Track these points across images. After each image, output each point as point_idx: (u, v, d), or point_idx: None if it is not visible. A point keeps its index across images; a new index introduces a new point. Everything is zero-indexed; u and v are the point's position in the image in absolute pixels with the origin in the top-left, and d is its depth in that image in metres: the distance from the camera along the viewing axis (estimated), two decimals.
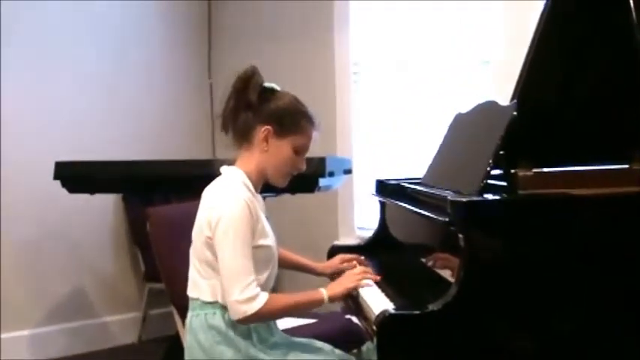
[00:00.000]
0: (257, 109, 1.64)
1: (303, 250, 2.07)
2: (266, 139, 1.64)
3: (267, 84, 1.67)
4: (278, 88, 1.69)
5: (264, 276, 1.63)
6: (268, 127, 1.64)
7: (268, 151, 1.65)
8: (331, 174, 2.71)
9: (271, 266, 1.67)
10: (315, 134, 1.70)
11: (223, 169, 1.70)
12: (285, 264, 1.97)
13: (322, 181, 2.66)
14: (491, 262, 1.45)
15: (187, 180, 2.66)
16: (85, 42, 3.56)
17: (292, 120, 1.66)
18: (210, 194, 1.64)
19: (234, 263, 1.53)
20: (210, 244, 1.59)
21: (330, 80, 3.71)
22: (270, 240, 1.65)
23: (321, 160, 2.60)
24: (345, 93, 3.69)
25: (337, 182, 3.00)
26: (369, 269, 1.79)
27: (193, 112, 3.99)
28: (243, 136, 1.67)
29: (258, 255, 1.60)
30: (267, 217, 1.75)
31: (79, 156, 3.09)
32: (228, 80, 1.67)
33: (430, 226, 1.70)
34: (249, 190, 1.64)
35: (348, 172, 3.06)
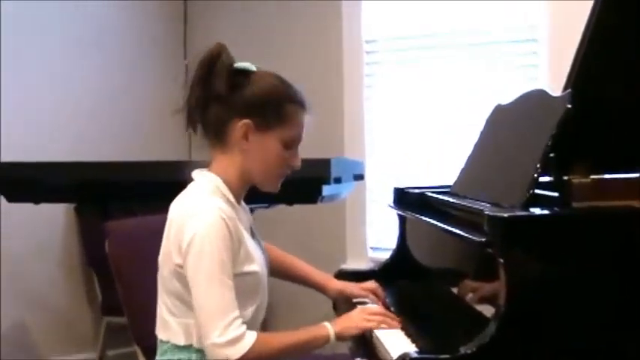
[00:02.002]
0: (229, 99, 1.62)
1: None
2: (245, 136, 1.64)
3: (238, 64, 1.65)
4: (253, 67, 1.67)
5: (250, 310, 1.62)
6: (246, 120, 1.63)
7: (250, 150, 1.65)
8: (338, 180, 2.71)
9: (259, 297, 1.67)
10: (306, 118, 1.70)
11: (195, 173, 1.69)
12: (287, 274, 1.98)
13: (326, 189, 2.66)
14: (539, 293, 1.44)
15: (157, 187, 2.66)
16: (40, 19, 3.57)
17: (276, 107, 1.65)
18: (179, 209, 1.63)
19: (211, 297, 1.52)
20: (180, 274, 1.58)
21: (336, 63, 3.72)
22: (256, 265, 1.64)
23: (325, 163, 2.61)
24: (356, 79, 3.70)
25: (345, 190, 3.00)
26: (390, 314, 1.76)
27: (165, 101, 3.98)
28: (216, 135, 1.66)
29: (243, 284, 1.59)
30: (254, 233, 1.75)
31: (25, 157, 3.09)
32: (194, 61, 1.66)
33: (462, 247, 1.69)
34: (228, 202, 1.63)
35: (359, 177, 3.06)
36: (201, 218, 1.55)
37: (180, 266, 1.57)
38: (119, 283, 2.17)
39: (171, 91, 3.95)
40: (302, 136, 1.70)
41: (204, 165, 1.71)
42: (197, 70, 1.64)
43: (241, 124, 1.63)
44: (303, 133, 1.70)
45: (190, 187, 1.68)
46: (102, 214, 3.12)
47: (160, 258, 1.66)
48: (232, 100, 1.63)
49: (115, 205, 3.17)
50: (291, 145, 1.68)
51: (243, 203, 1.74)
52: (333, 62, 3.73)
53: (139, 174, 2.84)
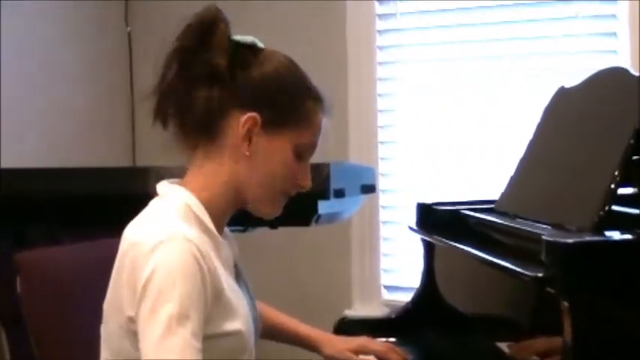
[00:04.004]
0: (229, 81, 1.63)
1: None
2: (249, 136, 1.64)
3: (241, 37, 1.65)
4: (260, 44, 1.68)
5: None
6: (253, 113, 1.63)
7: (251, 157, 1.64)
8: (339, 193, 2.71)
9: None
10: (324, 122, 1.71)
11: (162, 187, 1.69)
12: (271, 332, 2.00)
13: (324, 206, 2.66)
14: (617, 348, 1.45)
15: (88, 203, 2.66)
16: None
17: (294, 99, 1.66)
18: (133, 239, 1.61)
19: None
20: (133, 333, 1.56)
21: (338, 42, 3.73)
22: (240, 321, 1.62)
23: (322, 170, 2.61)
24: (364, 62, 3.71)
25: (350, 208, 3.00)
26: None
27: (102, 84, 4.00)
28: (201, 131, 1.66)
29: (221, 349, 1.58)
30: (240, 273, 1.75)
31: None
32: (162, 30, 1.65)
33: (512, 285, 1.70)
34: (205, 231, 1.63)
35: (369, 190, 3.06)
36: (164, 252, 1.53)
37: (134, 321, 1.56)
38: (34, 336, 2.17)
39: (112, 70, 4.03)
40: (317, 146, 1.72)
41: (171, 173, 1.70)
42: (183, 36, 1.63)
43: (246, 118, 1.62)
44: (318, 141, 1.72)
45: (152, 206, 1.67)
46: (12, 241, 3.11)
47: (106, 306, 1.64)
48: (233, 84, 1.63)
49: (30, 229, 3.18)
50: (304, 155, 1.69)
51: (227, 230, 1.74)
52: (334, 41, 3.74)
53: (65, 185, 2.84)
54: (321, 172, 2.60)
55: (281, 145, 1.66)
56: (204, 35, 1.62)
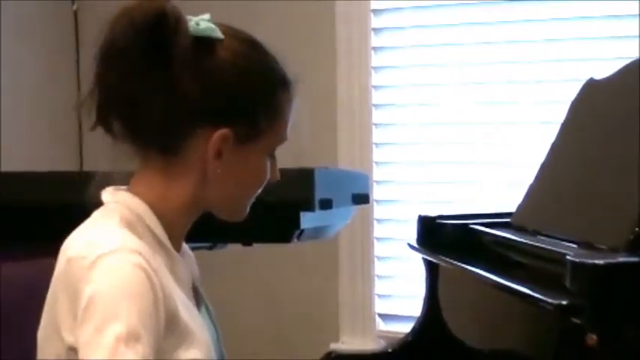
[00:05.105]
0: (191, 94, 1.61)
1: None
2: (220, 153, 1.64)
3: (195, 27, 1.63)
4: (219, 33, 1.64)
5: None
6: (224, 130, 1.63)
7: (222, 172, 1.65)
8: (326, 204, 2.71)
9: None
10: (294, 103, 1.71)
11: (107, 194, 1.68)
12: None
13: (307, 220, 2.66)
14: None
15: (28, 214, 2.65)
16: None
17: (265, 101, 1.66)
18: (72, 254, 1.60)
19: None
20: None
21: (325, 21, 3.74)
22: (198, 349, 1.62)
23: (306, 177, 2.61)
24: (356, 46, 3.71)
25: (339, 221, 3.00)
26: None
27: (45, 71, 3.99)
28: (159, 146, 1.64)
29: None
30: (200, 295, 1.75)
31: None
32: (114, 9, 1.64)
33: (530, 314, 1.70)
34: (158, 244, 1.63)
35: (362, 200, 3.06)
36: (107, 266, 1.52)
37: (73, 349, 1.56)
38: None
39: (55, 54, 4.00)
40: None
41: (122, 178, 1.69)
42: (127, 32, 1.59)
43: (217, 137, 1.62)
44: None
45: (94, 216, 1.66)
46: None
47: (41, 334, 1.64)
48: (196, 96, 1.61)
49: None
50: (275, 151, 1.71)
51: (186, 247, 1.74)
52: (317, 18, 3.75)
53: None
54: (304, 179, 2.60)
55: (255, 154, 1.67)
56: (158, 36, 1.59)
